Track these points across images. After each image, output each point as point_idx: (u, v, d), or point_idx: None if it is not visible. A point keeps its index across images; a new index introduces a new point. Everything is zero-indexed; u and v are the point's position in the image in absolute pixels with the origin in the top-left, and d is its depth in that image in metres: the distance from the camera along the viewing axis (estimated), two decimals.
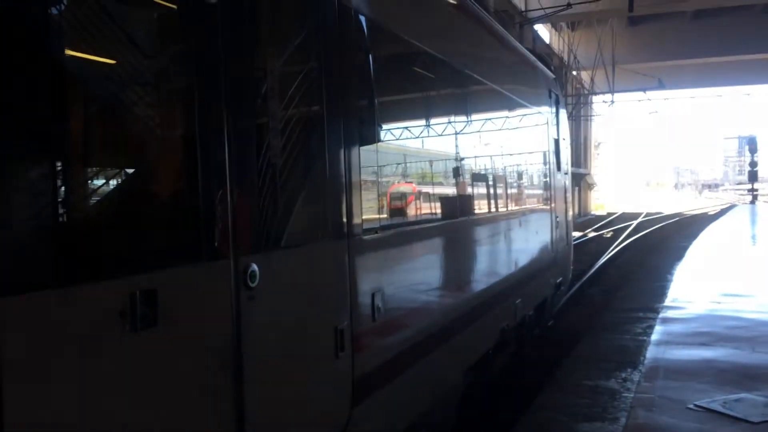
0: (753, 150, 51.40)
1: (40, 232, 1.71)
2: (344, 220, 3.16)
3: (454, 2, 5.31)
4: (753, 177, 50.59)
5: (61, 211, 1.79)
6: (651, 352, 6.39)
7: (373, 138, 3.57)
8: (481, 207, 5.62)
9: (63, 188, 1.80)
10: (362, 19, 3.38)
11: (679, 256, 15.23)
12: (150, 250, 2.10)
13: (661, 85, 37.39)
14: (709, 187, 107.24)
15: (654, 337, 7.07)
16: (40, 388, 1.68)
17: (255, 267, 2.45)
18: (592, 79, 35.49)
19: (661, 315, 8.24)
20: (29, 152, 1.69)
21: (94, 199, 2.05)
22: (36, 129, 1.71)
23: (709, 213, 41.05)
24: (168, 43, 2.26)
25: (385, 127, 3.86)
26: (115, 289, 1.90)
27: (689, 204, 65.23)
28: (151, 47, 2.20)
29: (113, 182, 2.15)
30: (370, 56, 3.46)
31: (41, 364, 1.68)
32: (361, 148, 3.34)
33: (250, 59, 2.54)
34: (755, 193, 53.03)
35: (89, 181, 2.03)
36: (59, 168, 1.79)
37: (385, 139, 3.85)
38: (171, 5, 2.29)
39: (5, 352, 1.58)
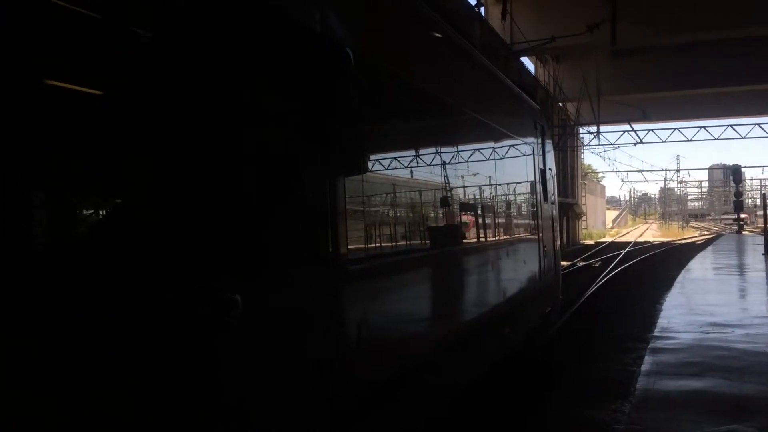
0: (737, 180, 51.97)
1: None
2: (330, 249, 3.14)
3: (441, 36, 5.37)
4: (738, 207, 51.03)
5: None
6: (641, 383, 6.35)
7: (360, 169, 3.57)
8: (469, 237, 5.62)
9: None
10: (348, 52, 3.40)
11: (667, 285, 15.27)
12: (126, 275, 2.06)
13: (645, 116, 37.93)
14: (696, 216, 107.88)
15: (644, 367, 7.03)
16: None
17: (237, 296, 2.42)
18: (577, 110, 35.92)
19: (650, 345, 8.21)
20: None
21: (75, 225, 2.02)
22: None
23: (697, 242, 41.29)
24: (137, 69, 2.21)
25: (372, 157, 3.87)
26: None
27: (676, 233, 65.62)
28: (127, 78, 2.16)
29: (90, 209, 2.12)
30: (358, 89, 3.48)
31: None
32: (349, 178, 3.34)
33: (229, 86, 2.53)
34: (741, 222, 53.50)
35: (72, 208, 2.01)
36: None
37: (373, 169, 3.85)
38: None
39: None
